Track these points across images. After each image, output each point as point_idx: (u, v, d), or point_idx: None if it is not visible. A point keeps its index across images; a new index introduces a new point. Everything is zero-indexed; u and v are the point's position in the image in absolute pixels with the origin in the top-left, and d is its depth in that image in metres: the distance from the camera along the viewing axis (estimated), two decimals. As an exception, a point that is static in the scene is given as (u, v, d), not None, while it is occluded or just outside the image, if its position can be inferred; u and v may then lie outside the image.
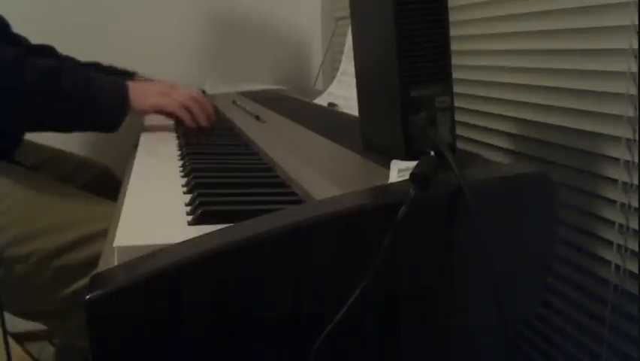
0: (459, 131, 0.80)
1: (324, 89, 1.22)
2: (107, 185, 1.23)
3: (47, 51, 1.22)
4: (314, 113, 1.04)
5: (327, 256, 0.42)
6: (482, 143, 0.88)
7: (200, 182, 0.63)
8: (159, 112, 1.00)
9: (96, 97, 0.93)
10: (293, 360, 0.43)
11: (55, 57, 1.22)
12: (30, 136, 1.10)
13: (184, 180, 0.66)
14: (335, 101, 1.13)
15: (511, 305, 0.47)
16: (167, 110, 0.99)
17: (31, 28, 1.20)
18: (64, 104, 0.90)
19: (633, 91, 0.59)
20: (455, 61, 0.60)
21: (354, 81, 0.68)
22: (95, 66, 1.24)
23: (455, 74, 0.59)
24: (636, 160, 0.59)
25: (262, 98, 1.25)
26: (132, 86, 0.97)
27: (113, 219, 0.55)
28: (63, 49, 1.25)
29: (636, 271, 0.61)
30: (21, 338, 1.27)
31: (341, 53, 1.22)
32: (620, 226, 0.62)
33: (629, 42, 0.59)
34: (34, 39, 1.20)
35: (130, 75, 1.27)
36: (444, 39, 0.56)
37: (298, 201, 0.58)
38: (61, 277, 0.87)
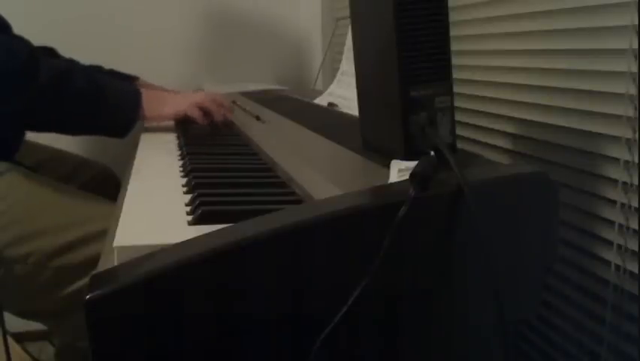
0: (459, 131, 0.80)
1: (324, 89, 1.22)
2: (107, 185, 1.23)
3: (49, 53, 1.22)
4: (314, 113, 1.04)
5: (327, 256, 0.42)
6: (482, 143, 0.88)
7: (200, 182, 0.63)
8: (174, 119, 1.00)
9: (108, 100, 0.93)
10: (293, 360, 0.43)
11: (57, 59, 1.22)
12: (30, 136, 1.10)
13: (184, 180, 0.66)
14: (335, 101, 1.13)
15: (511, 305, 0.47)
16: (180, 115, 1.00)
17: (30, 28, 1.19)
18: (75, 104, 0.90)
19: (633, 91, 0.59)
20: (455, 61, 0.60)
21: (354, 81, 0.67)
22: (96, 69, 1.24)
23: (455, 74, 0.59)
24: (636, 160, 0.59)
25: (262, 98, 1.25)
26: (146, 94, 0.97)
27: (113, 219, 0.55)
28: (63, 50, 1.25)
29: (636, 271, 0.61)
30: (21, 338, 1.26)
31: (341, 53, 1.22)
32: (620, 226, 0.62)
33: (629, 42, 0.59)
34: (34, 39, 1.20)
35: (132, 79, 1.28)
36: (444, 39, 0.56)
37: (298, 201, 0.58)
38: (61, 277, 0.87)
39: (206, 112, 1.02)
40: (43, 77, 0.86)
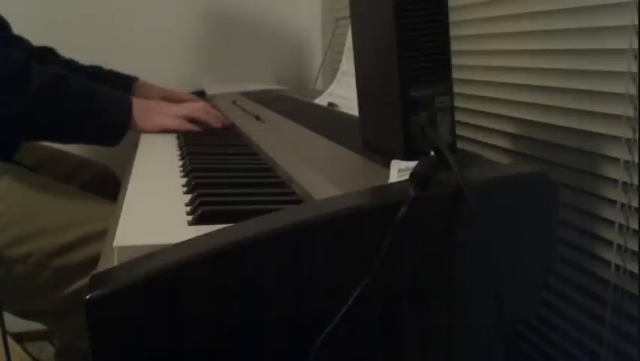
0: (459, 131, 0.80)
1: (324, 89, 1.22)
2: (107, 185, 1.23)
3: (48, 53, 1.22)
4: (314, 113, 1.04)
5: (327, 256, 0.42)
6: (482, 143, 0.88)
7: (200, 182, 0.63)
8: (164, 132, 1.01)
9: (99, 110, 0.93)
10: (293, 360, 0.43)
11: (56, 59, 1.22)
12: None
13: (184, 180, 0.66)
14: (335, 101, 1.13)
15: (511, 305, 0.47)
16: (171, 129, 1.01)
17: (30, 28, 1.19)
18: (65, 112, 0.90)
19: (633, 91, 0.59)
20: (455, 61, 0.60)
21: (354, 81, 0.68)
22: (96, 70, 1.24)
23: (455, 74, 0.59)
24: (636, 160, 0.59)
25: (262, 98, 1.25)
26: (136, 105, 0.98)
27: (113, 219, 0.55)
28: (63, 49, 1.25)
29: (636, 271, 0.61)
30: (21, 338, 1.27)
31: (341, 53, 1.22)
32: (620, 226, 0.62)
33: (629, 42, 0.59)
34: (33, 39, 1.20)
35: (131, 80, 1.28)
36: (444, 39, 0.56)
37: (298, 201, 0.58)
38: (61, 277, 0.87)
39: (198, 122, 1.03)
40: (35, 83, 0.86)
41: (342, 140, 0.72)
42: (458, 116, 0.79)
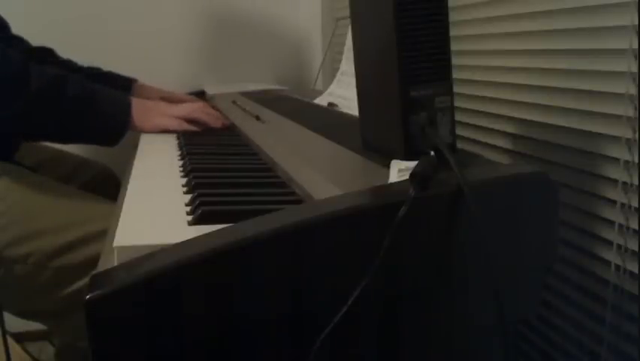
0: (459, 131, 0.80)
1: (324, 89, 1.22)
2: (107, 185, 1.23)
3: (47, 54, 1.22)
4: (314, 113, 1.04)
5: (327, 256, 0.42)
6: (482, 143, 0.88)
7: (200, 182, 0.63)
8: (163, 132, 1.01)
9: (98, 110, 0.93)
10: (293, 360, 0.43)
11: (55, 60, 1.22)
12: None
13: (184, 180, 0.66)
14: (335, 101, 1.13)
15: (511, 305, 0.47)
16: (170, 129, 1.01)
17: (30, 28, 1.20)
18: (64, 113, 0.90)
19: (633, 91, 0.59)
20: (455, 61, 0.60)
21: (354, 81, 0.67)
22: (95, 71, 1.24)
23: (455, 74, 0.59)
24: (636, 160, 0.59)
25: (262, 98, 1.25)
26: (136, 105, 0.98)
27: (113, 219, 0.55)
28: (62, 49, 1.25)
29: (636, 271, 0.61)
30: (21, 338, 1.27)
31: (341, 53, 1.22)
32: (620, 226, 0.62)
33: (629, 42, 0.59)
34: (33, 39, 1.20)
35: (130, 81, 1.28)
36: (444, 39, 0.56)
37: (298, 201, 0.58)
38: (61, 277, 0.87)
39: (197, 122, 1.03)
40: (34, 84, 0.86)
41: (342, 140, 0.72)
42: (458, 116, 0.79)
